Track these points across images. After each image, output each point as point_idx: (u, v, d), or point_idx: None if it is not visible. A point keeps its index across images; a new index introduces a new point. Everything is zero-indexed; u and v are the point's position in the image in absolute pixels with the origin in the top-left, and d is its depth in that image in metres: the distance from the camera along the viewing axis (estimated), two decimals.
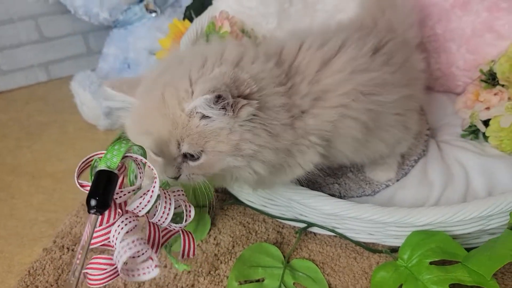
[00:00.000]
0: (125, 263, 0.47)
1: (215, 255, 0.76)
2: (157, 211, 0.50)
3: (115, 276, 0.47)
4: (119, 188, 0.48)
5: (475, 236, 0.70)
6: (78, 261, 0.42)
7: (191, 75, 0.53)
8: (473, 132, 0.84)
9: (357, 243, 0.75)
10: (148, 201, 0.47)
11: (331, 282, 0.71)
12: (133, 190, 0.50)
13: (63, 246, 0.78)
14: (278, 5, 0.89)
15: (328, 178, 0.79)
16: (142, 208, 0.48)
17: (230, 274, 0.71)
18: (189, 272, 0.74)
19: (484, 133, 0.81)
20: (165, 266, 0.75)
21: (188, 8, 0.99)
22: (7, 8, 1.16)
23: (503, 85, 0.81)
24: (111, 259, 0.47)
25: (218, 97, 0.49)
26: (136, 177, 0.52)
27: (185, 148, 0.53)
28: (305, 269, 0.72)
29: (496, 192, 0.73)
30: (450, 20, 0.87)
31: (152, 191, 0.47)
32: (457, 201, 0.73)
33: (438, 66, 0.91)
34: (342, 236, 0.75)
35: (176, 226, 0.55)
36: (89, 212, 0.43)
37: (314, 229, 0.78)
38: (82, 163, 0.47)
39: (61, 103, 1.20)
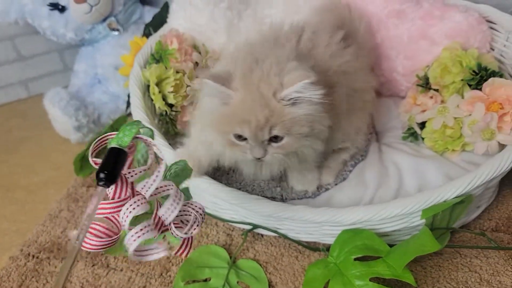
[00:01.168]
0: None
1: (167, 258, 0.82)
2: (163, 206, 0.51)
3: (109, 246, 0.49)
4: (128, 168, 0.50)
5: (405, 233, 0.75)
6: (82, 229, 0.44)
7: (277, 71, 0.62)
8: (412, 135, 0.89)
9: (298, 243, 0.80)
10: (153, 183, 0.48)
11: (272, 280, 0.76)
12: (143, 171, 0.51)
13: (28, 254, 0.84)
14: (227, 21, 0.95)
15: (271, 182, 0.84)
16: (148, 189, 0.48)
17: (177, 275, 0.76)
18: (142, 274, 0.79)
19: (420, 135, 0.86)
20: (121, 270, 0.80)
21: (147, 25, 1.05)
22: None
23: (436, 90, 0.86)
24: (110, 230, 0.48)
25: (311, 83, 0.60)
26: (144, 158, 0.54)
27: (275, 132, 0.63)
28: (249, 269, 0.78)
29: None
30: (388, 28, 0.92)
31: (158, 173, 0.48)
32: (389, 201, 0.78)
33: (381, 72, 0.96)
34: (283, 236, 0.80)
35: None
36: (97, 184, 0.45)
37: (260, 231, 0.83)
38: (97, 142, 0.49)
39: (39, 119, 1.26)
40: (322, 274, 0.70)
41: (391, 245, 0.69)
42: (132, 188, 0.49)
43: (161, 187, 0.49)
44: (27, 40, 1.29)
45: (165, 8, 1.04)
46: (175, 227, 0.50)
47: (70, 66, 1.35)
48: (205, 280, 0.77)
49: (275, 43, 0.72)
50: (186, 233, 0.51)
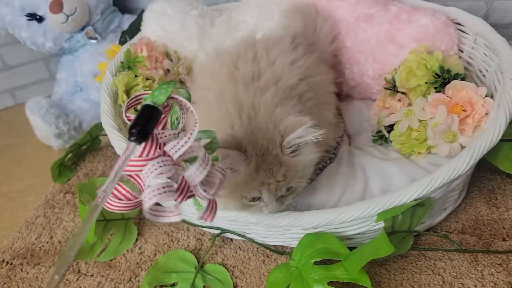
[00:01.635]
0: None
1: (137, 263, 0.83)
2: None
3: (129, 209, 0.47)
4: (163, 128, 0.50)
5: (369, 236, 0.75)
6: (108, 183, 0.42)
7: (273, 123, 0.64)
8: (381, 137, 0.89)
9: (265, 247, 0.80)
10: (183, 145, 0.47)
11: (238, 284, 0.77)
12: (174, 134, 0.51)
13: (3, 261, 0.86)
14: (198, 28, 0.96)
15: None
16: (176, 151, 0.47)
17: (143, 280, 0.77)
18: (112, 279, 0.80)
19: (388, 138, 0.86)
20: (92, 275, 0.81)
21: (123, 33, 1.07)
22: None
23: (404, 93, 0.86)
24: (130, 193, 0.47)
25: (310, 127, 0.61)
26: (178, 120, 0.53)
27: (292, 185, 0.66)
28: (216, 273, 0.78)
29: None
30: (357, 33, 0.92)
31: (190, 135, 0.47)
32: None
33: (352, 76, 0.96)
34: (251, 241, 0.81)
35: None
36: (129, 139, 0.44)
37: (229, 235, 0.84)
38: (131, 100, 0.48)
39: (24, 127, 1.28)
40: (283, 278, 0.71)
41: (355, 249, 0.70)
42: (162, 149, 0.47)
43: (190, 147, 0.47)
44: (12, 50, 1.31)
45: (141, 16, 1.05)
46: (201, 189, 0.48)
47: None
48: (173, 285, 0.78)
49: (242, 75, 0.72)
50: (212, 195, 0.49)
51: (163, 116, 0.48)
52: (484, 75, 0.86)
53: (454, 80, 0.78)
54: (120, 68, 0.90)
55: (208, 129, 0.54)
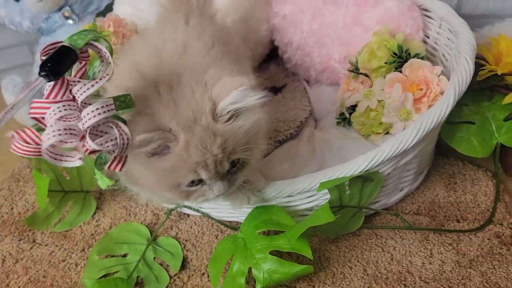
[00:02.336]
0: (51, 146, 0.46)
1: (92, 234, 0.83)
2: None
3: (36, 155, 0.46)
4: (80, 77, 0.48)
5: None
6: (7, 110, 0.43)
7: (200, 88, 0.54)
8: (344, 120, 0.89)
9: (220, 222, 0.80)
10: (89, 88, 0.45)
11: (188, 256, 0.76)
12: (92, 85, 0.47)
13: None
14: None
15: None
16: (82, 93, 0.45)
17: (93, 249, 0.77)
18: (65, 249, 0.80)
19: (349, 119, 0.86)
20: (46, 245, 0.81)
21: (98, 14, 1.08)
22: None
23: (366, 75, 0.86)
24: (39, 137, 0.46)
25: (247, 89, 0.52)
26: (94, 76, 0.53)
27: (234, 157, 0.55)
28: (168, 246, 0.78)
29: None
30: (324, 15, 0.93)
31: (99, 80, 0.46)
32: None
33: (319, 59, 0.96)
34: (206, 216, 0.81)
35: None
36: (39, 74, 0.43)
37: (186, 210, 0.83)
38: (48, 46, 0.47)
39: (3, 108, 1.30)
40: (229, 249, 0.70)
41: None
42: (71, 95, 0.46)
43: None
44: None
45: None
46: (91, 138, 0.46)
47: None
48: (123, 256, 0.77)
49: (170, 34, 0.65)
50: (101, 150, 0.46)
51: (82, 65, 0.48)
52: (446, 59, 0.85)
53: (412, 59, 0.78)
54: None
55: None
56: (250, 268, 0.66)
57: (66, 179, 0.86)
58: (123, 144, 0.48)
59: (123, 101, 0.48)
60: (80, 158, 0.45)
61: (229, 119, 0.55)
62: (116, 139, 0.47)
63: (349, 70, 0.88)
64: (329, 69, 0.97)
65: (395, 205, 0.80)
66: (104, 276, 0.74)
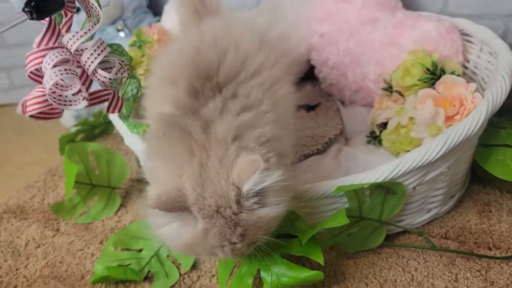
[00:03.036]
0: (54, 91, 0.47)
1: (112, 229, 0.84)
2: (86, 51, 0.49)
3: (46, 106, 0.47)
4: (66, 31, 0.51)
5: None
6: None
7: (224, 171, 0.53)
8: (374, 138, 0.87)
9: None
10: (81, 36, 0.46)
11: (201, 258, 0.75)
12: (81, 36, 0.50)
13: None
14: None
15: None
16: (74, 42, 0.47)
17: (109, 239, 0.78)
18: (85, 240, 0.82)
19: (379, 136, 0.84)
20: (68, 234, 0.83)
21: None
22: None
23: (399, 93, 0.84)
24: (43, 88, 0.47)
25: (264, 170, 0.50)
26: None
27: (253, 240, 0.54)
28: None
29: None
30: (361, 35, 0.93)
31: (89, 28, 0.48)
32: None
33: (354, 79, 0.96)
34: None
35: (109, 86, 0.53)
36: (22, 10, 0.44)
37: None
38: None
39: None
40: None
41: None
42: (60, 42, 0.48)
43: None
44: None
45: None
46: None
47: None
48: (138, 251, 0.77)
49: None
50: (113, 79, 0.48)
51: (67, 18, 0.50)
52: (485, 82, 0.82)
53: (445, 75, 0.75)
54: (130, 45, 0.96)
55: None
56: (259, 271, 0.64)
57: (96, 173, 0.89)
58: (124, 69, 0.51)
59: (116, 49, 0.51)
60: (84, 98, 0.46)
61: (256, 203, 0.52)
62: (121, 68, 0.49)
63: (383, 89, 0.87)
64: (364, 89, 0.96)
65: (421, 227, 0.75)
66: None
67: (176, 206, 0.51)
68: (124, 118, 0.63)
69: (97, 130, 1.15)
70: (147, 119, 0.68)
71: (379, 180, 0.64)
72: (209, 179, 0.52)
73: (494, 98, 0.66)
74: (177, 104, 0.60)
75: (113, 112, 0.51)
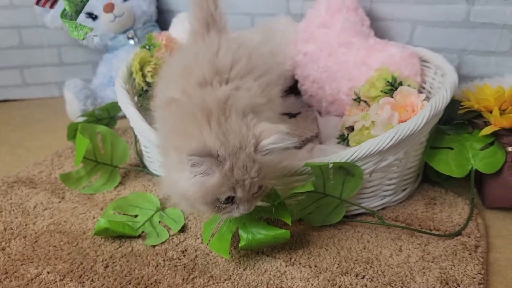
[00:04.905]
0: None
1: (111, 199, 0.96)
2: None
3: None
4: None
5: None
6: None
7: (246, 126, 0.67)
8: (344, 139, 1.02)
9: None
10: None
11: (188, 225, 0.88)
12: None
13: (6, 182, 1.02)
14: None
15: None
16: None
17: (110, 204, 0.90)
18: (87, 207, 0.93)
19: (347, 137, 0.99)
20: (72, 202, 0.95)
21: None
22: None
23: (366, 102, 1.00)
24: None
25: (286, 134, 0.65)
26: None
27: (264, 182, 0.67)
28: (173, 215, 0.90)
29: None
30: (338, 55, 1.10)
31: None
32: None
33: (330, 92, 1.12)
34: None
35: None
36: None
37: None
38: None
39: (62, 111, 1.51)
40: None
41: None
42: None
43: None
44: (70, 50, 1.59)
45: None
46: None
47: None
48: (134, 216, 0.90)
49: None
50: None
51: None
52: None
53: (401, 86, 0.92)
54: (141, 47, 1.11)
55: None
56: (237, 229, 0.77)
57: (101, 152, 1.01)
58: None
59: None
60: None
61: (265, 154, 0.67)
62: None
63: (353, 99, 1.03)
64: (338, 100, 1.12)
65: (377, 211, 0.89)
66: None
67: (207, 151, 0.63)
68: (65, 17, 0.66)
69: (101, 123, 1.28)
70: (158, 105, 0.83)
71: (343, 161, 0.78)
72: (230, 129, 0.66)
73: (436, 104, 0.82)
74: (188, 91, 0.74)
75: (43, 5, 0.57)
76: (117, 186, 1.01)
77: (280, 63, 1.19)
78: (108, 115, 1.27)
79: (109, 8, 1.30)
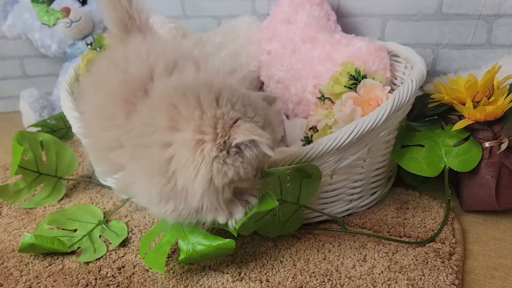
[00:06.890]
0: None
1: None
2: None
3: None
4: None
5: None
6: None
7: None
8: (308, 142, 0.93)
9: None
10: None
11: (132, 238, 0.79)
12: None
13: None
14: (170, 36, 1.11)
15: None
16: None
17: (44, 218, 0.81)
18: (22, 222, 0.84)
19: (311, 139, 0.91)
20: (8, 216, 0.86)
21: None
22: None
23: (330, 100, 0.92)
24: None
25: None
26: None
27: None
28: (115, 228, 0.81)
29: None
30: (302, 52, 1.03)
31: None
32: None
33: (295, 92, 1.04)
34: None
35: None
36: None
37: None
38: None
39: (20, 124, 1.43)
40: (164, 225, 0.72)
41: None
42: None
43: None
44: (34, 61, 1.52)
45: None
46: None
47: None
48: (72, 231, 0.80)
49: None
50: None
51: None
52: None
53: (364, 79, 0.84)
54: (90, 48, 1.04)
55: None
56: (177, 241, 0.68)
57: (44, 162, 0.93)
58: None
59: None
60: None
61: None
62: None
63: (317, 98, 0.95)
64: (304, 101, 1.04)
65: (342, 218, 0.80)
66: None
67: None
68: (37, 1, 0.60)
69: (57, 134, 1.20)
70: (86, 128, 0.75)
71: (297, 161, 0.70)
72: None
73: (400, 95, 0.74)
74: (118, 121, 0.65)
75: None
76: (61, 199, 0.92)
77: (243, 64, 1.12)
78: (65, 126, 1.19)
79: (64, 11, 1.23)
